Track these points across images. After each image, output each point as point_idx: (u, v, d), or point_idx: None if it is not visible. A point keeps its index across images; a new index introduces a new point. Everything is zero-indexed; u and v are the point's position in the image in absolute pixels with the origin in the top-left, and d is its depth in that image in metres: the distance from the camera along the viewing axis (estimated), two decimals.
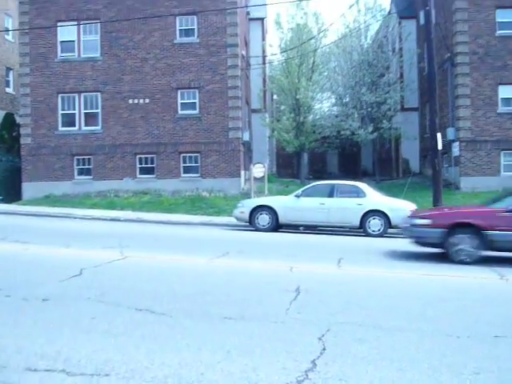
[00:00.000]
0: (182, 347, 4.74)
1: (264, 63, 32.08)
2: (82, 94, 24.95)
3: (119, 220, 18.01)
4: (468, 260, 9.89)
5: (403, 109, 31.25)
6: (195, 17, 24.22)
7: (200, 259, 9.56)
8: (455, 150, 22.99)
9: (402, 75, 30.86)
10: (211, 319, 5.62)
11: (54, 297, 6.38)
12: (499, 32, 23.15)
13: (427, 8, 16.08)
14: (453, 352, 4.73)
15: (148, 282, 7.53)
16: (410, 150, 30.90)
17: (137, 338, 4.93)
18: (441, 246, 10.32)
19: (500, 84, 23.16)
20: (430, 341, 5.05)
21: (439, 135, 16.44)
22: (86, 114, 25.03)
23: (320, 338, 5.00)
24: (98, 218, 18.29)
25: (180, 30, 24.45)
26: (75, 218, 18.40)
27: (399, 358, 4.54)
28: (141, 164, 24.71)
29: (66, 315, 5.66)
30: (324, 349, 4.72)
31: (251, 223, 15.70)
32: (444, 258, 10.24)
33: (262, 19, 33.56)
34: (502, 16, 23.14)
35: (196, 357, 4.49)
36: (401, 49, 30.80)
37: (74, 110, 25.10)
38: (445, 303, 6.71)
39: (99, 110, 24.88)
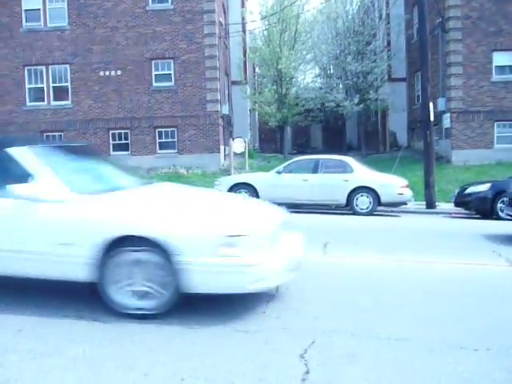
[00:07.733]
0: None
1: (244, 31, 30.45)
2: (50, 67, 23.35)
3: None
4: None
5: (390, 79, 29.83)
6: None
7: None
8: (446, 121, 21.82)
9: (389, 43, 29.32)
10: None
11: None
12: None
13: None
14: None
15: None
16: (398, 123, 29.61)
17: None
18: None
19: (494, 50, 21.71)
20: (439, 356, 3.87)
21: (431, 105, 15.26)
22: (54, 87, 23.49)
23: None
24: None
25: None
26: None
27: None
28: (114, 140, 23.31)
29: None
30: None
31: None
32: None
33: None
34: None
35: None
36: (388, 15, 29.17)
37: (42, 83, 23.53)
38: (454, 300, 5.49)
39: (68, 84, 23.33)
